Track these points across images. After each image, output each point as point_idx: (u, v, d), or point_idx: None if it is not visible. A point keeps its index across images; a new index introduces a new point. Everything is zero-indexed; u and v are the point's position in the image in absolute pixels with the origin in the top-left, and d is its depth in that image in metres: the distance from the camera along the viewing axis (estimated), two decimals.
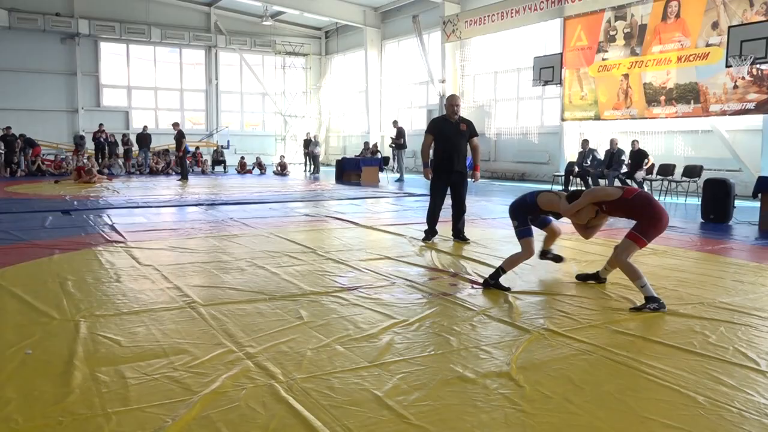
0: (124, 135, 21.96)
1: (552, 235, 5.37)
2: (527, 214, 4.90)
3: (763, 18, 12.03)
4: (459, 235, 7.04)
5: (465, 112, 20.15)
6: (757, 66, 12.01)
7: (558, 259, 5.45)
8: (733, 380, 3.00)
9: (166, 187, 15.43)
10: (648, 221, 4.33)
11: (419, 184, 17.06)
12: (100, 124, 21.49)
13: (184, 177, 17.99)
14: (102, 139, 20.86)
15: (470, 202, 7.90)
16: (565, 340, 3.58)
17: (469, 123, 7.03)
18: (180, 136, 17.76)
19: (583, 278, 5.05)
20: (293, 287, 4.80)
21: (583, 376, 3.06)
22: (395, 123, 19.01)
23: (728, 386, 2.93)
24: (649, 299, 4.20)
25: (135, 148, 21.60)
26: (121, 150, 21.54)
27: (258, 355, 3.25)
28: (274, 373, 3.01)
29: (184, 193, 13.74)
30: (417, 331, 3.75)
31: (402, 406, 2.66)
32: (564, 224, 5.28)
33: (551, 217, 5.17)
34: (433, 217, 7.07)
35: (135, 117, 25.68)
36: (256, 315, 4.02)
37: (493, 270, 4.90)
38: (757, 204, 8.76)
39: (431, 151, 7.09)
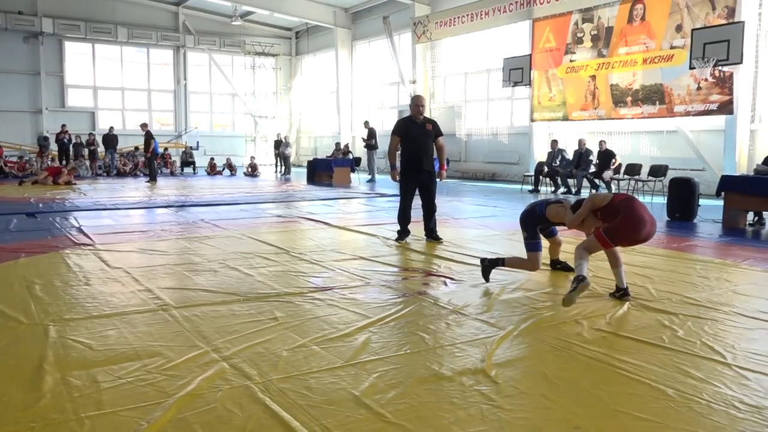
0: (90, 135, 21.54)
1: (555, 245, 5.43)
2: (536, 224, 4.95)
3: (724, 21, 12.35)
4: (431, 234, 7.08)
5: (436, 113, 20.33)
6: (720, 68, 12.32)
7: (569, 268, 5.26)
8: (701, 373, 3.08)
9: (135, 188, 15.19)
10: (619, 225, 4.31)
11: (391, 184, 17.10)
12: (63, 125, 21.05)
13: (152, 178, 17.73)
14: (65, 140, 20.43)
15: (442, 202, 7.96)
16: (538, 336, 3.63)
17: (434, 123, 7.13)
18: (148, 137, 17.52)
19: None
20: (267, 288, 4.77)
21: (556, 371, 3.10)
22: (366, 123, 19.03)
23: (696, 379, 3.00)
24: (577, 278, 4.19)
25: (101, 149, 21.22)
26: (86, 151, 21.13)
27: (233, 357, 3.23)
28: (250, 374, 2.99)
29: (152, 194, 13.54)
30: (392, 330, 3.76)
31: (379, 404, 2.67)
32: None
33: (557, 228, 5.26)
34: (404, 218, 7.10)
35: (101, 118, 25.22)
36: (230, 316, 3.99)
37: (495, 257, 5.12)
38: (721, 202, 8.99)
39: (398, 153, 7.16)
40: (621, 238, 4.38)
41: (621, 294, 4.46)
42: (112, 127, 21.71)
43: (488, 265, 5.01)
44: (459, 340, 3.55)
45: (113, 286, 4.82)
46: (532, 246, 4.96)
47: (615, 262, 4.50)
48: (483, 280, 4.98)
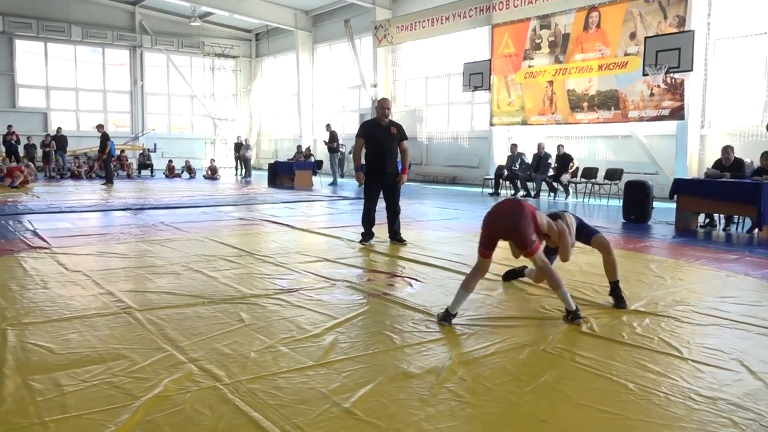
0: (46, 137, 20.85)
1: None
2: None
3: (675, 30, 12.78)
4: (396, 236, 7.13)
5: (397, 116, 20.37)
6: (671, 75, 12.74)
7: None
8: (659, 367, 3.19)
9: (91, 191, 14.83)
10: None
11: (353, 187, 17.12)
12: (9, 126, 20.29)
13: (108, 181, 17.33)
14: (13, 141, 19.78)
15: (404, 204, 8.00)
16: (503, 334, 3.71)
17: (399, 126, 7.13)
18: (104, 139, 17.11)
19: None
20: (232, 290, 4.74)
21: (521, 368, 3.18)
22: (328, 126, 19.01)
23: (655, 373, 3.11)
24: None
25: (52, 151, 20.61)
26: (40, 153, 20.51)
27: (200, 359, 3.20)
28: (218, 375, 2.98)
29: (109, 197, 13.24)
30: (360, 330, 3.79)
31: (350, 402, 2.69)
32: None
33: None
34: (368, 220, 7.13)
35: (54, 118, 24.53)
36: (195, 319, 3.95)
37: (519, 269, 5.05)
38: (673, 205, 9.30)
39: (363, 155, 7.16)
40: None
41: (572, 317, 3.97)
42: (60, 128, 21.05)
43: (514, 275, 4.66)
44: (426, 339, 3.60)
45: (73, 289, 4.71)
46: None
47: (554, 284, 4.04)
48: (450, 281, 5.04)
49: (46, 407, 2.60)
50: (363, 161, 7.16)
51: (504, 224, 4.02)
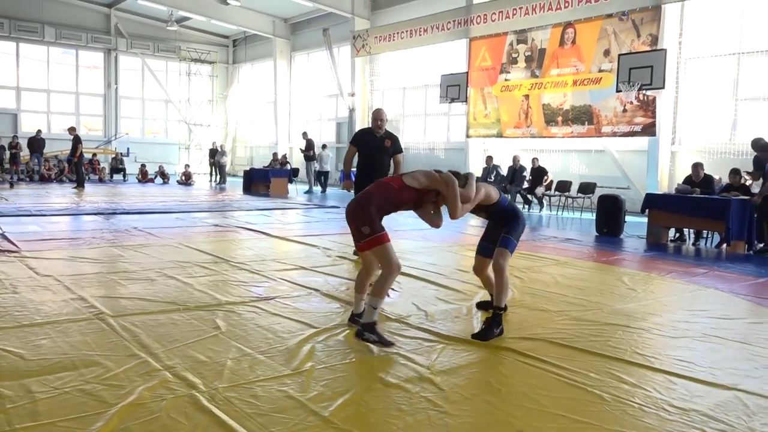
0: (13, 138, 20.42)
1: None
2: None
3: (648, 48, 13.07)
4: None
5: None
6: (644, 92, 13.01)
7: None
8: (633, 378, 3.24)
9: (61, 194, 14.56)
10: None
11: (329, 196, 17.10)
12: None
13: (80, 184, 17.03)
14: None
15: None
16: (479, 344, 3.73)
17: (394, 139, 6.81)
18: (76, 142, 16.83)
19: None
20: (207, 297, 4.69)
21: (498, 377, 3.20)
22: (305, 135, 18.98)
23: (629, 384, 3.16)
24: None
25: (24, 153, 20.20)
26: (7, 155, 20.07)
27: (176, 366, 3.16)
28: (194, 383, 2.94)
29: (81, 201, 13.01)
30: (337, 338, 3.78)
31: (328, 411, 2.68)
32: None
33: None
34: None
35: (25, 120, 24.07)
36: (170, 325, 3.90)
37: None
38: (645, 219, 9.47)
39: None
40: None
41: (362, 330, 3.70)
42: (39, 131, 20.72)
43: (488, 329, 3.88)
44: (404, 349, 3.60)
45: (44, 294, 4.61)
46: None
47: (375, 291, 3.74)
48: (426, 290, 5.05)
49: (16, 414, 2.54)
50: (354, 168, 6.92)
51: (348, 216, 3.81)
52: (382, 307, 3.98)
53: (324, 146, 19.37)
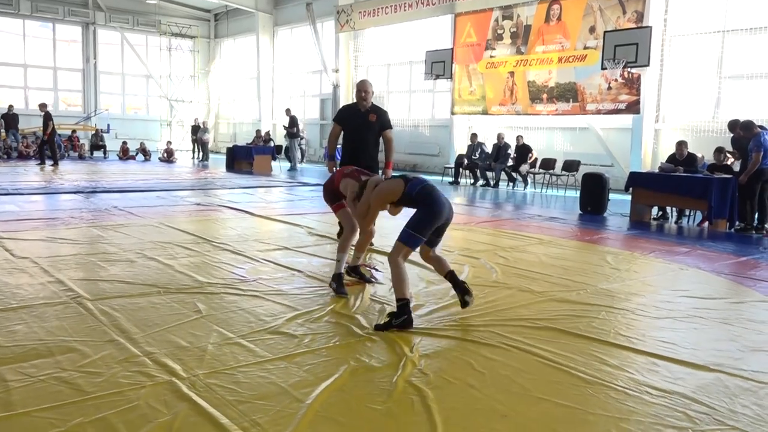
0: None
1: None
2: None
3: (634, 25, 13.00)
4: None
5: None
6: (629, 69, 12.97)
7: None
8: (616, 360, 3.25)
9: (40, 173, 14.29)
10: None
11: (312, 173, 16.96)
12: None
13: (55, 162, 16.62)
14: None
15: None
16: (462, 327, 3.71)
17: (381, 113, 6.17)
18: (47, 119, 16.40)
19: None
20: (188, 279, 4.62)
21: (481, 361, 3.18)
22: (288, 111, 18.76)
23: (612, 366, 3.16)
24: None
25: (1, 130, 19.76)
26: None
27: (155, 352, 3.11)
28: (174, 369, 2.89)
29: (59, 179, 12.77)
30: (320, 321, 3.74)
31: (311, 397, 2.64)
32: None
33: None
34: None
35: (1, 96, 23.51)
36: (150, 309, 3.84)
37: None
38: (628, 197, 9.50)
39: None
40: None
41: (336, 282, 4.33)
42: (11, 106, 20.18)
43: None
44: (387, 332, 3.57)
45: (20, 277, 4.52)
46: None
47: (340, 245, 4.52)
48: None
49: None
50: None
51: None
52: (368, 288, 3.99)
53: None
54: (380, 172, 6.00)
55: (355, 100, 6.22)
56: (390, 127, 6.25)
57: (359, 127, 6.08)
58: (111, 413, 2.44)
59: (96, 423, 2.36)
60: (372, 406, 2.60)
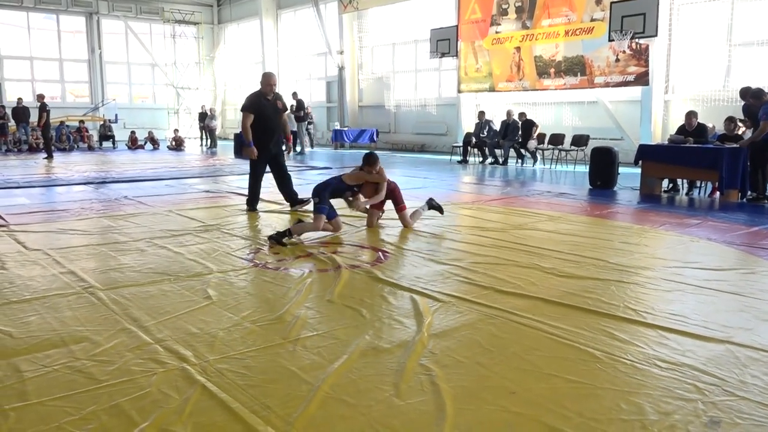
0: (1, 108, 20.02)
1: (335, 229, 5.88)
2: (332, 194, 5.83)
3: None
4: (295, 200, 7.54)
5: (364, 84, 20.27)
6: (636, 40, 12.79)
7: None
8: (625, 335, 3.24)
9: (51, 165, 14.39)
10: None
11: (321, 157, 16.95)
12: None
13: (48, 155, 16.47)
14: None
15: None
16: (470, 306, 3.72)
17: (281, 98, 7.45)
18: (41, 109, 16.25)
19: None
20: (198, 266, 4.65)
21: (490, 339, 3.19)
22: (295, 95, 18.71)
23: (621, 340, 3.16)
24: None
25: (12, 123, 19.85)
26: None
27: (166, 339, 3.14)
28: (185, 356, 2.92)
29: (69, 171, 12.85)
30: (328, 304, 3.76)
31: (320, 380, 2.66)
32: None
33: (337, 213, 5.93)
34: (254, 191, 7.43)
35: (9, 89, 23.64)
36: (160, 297, 3.87)
37: (284, 230, 5.50)
38: (638, 170, 9.42)
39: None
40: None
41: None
42: (20, 99, 20.23)
43: (277, 238, 5.41)
44: (395, 313, 3.58)
45: (32, 269, 4.57)
46: (319, 209, 5.66)
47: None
48: (418, 253, 5.03)
49: (4, 395, 2.52)
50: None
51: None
52: (375, 271, 3.97)
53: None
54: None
55: (261, 89, 7.16)
56: (286, 109, 7.69)
57: (272, 114, 7.16)
58: (124, 400, 2.47)
59: (109, 410, 2.40)
60: (381, 387, 2.62)
